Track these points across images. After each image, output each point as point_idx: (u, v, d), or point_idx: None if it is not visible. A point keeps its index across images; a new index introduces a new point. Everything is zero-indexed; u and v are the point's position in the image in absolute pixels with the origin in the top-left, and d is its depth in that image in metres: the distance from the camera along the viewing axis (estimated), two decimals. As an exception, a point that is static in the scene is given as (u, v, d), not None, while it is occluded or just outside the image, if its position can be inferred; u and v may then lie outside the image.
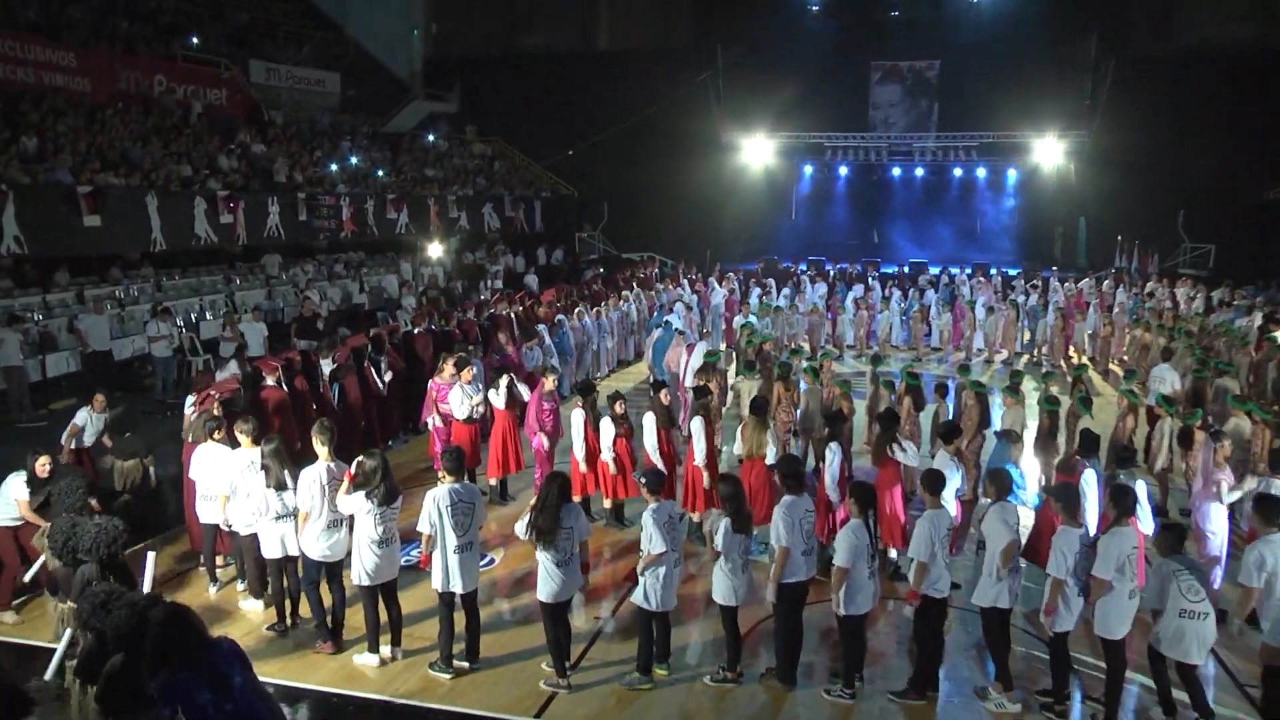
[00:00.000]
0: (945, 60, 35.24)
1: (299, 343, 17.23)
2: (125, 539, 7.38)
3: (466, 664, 8.15)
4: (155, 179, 20.74)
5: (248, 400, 11.33)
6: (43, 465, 9.03)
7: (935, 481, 7.77)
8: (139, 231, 19.80)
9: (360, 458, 8.01)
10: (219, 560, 9.96)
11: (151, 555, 7.80)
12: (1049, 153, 33.39)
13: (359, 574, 7.95)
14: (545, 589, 7.71)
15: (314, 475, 8.18)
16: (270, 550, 8.61)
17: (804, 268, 29.82)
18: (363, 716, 7.63)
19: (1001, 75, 32.74)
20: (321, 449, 8.27)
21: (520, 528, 7.86)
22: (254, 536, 8.83)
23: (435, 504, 7.72)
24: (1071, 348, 21.96)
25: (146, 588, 7.28)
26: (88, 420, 11.14)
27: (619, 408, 11.12)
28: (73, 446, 11.00)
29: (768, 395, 12.90)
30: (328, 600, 8.56)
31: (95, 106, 22.90)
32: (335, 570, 8.47)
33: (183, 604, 5.63)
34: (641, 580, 7.75)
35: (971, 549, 8.26)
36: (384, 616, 8.30)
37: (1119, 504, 7.42)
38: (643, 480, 7.97)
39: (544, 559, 7.66)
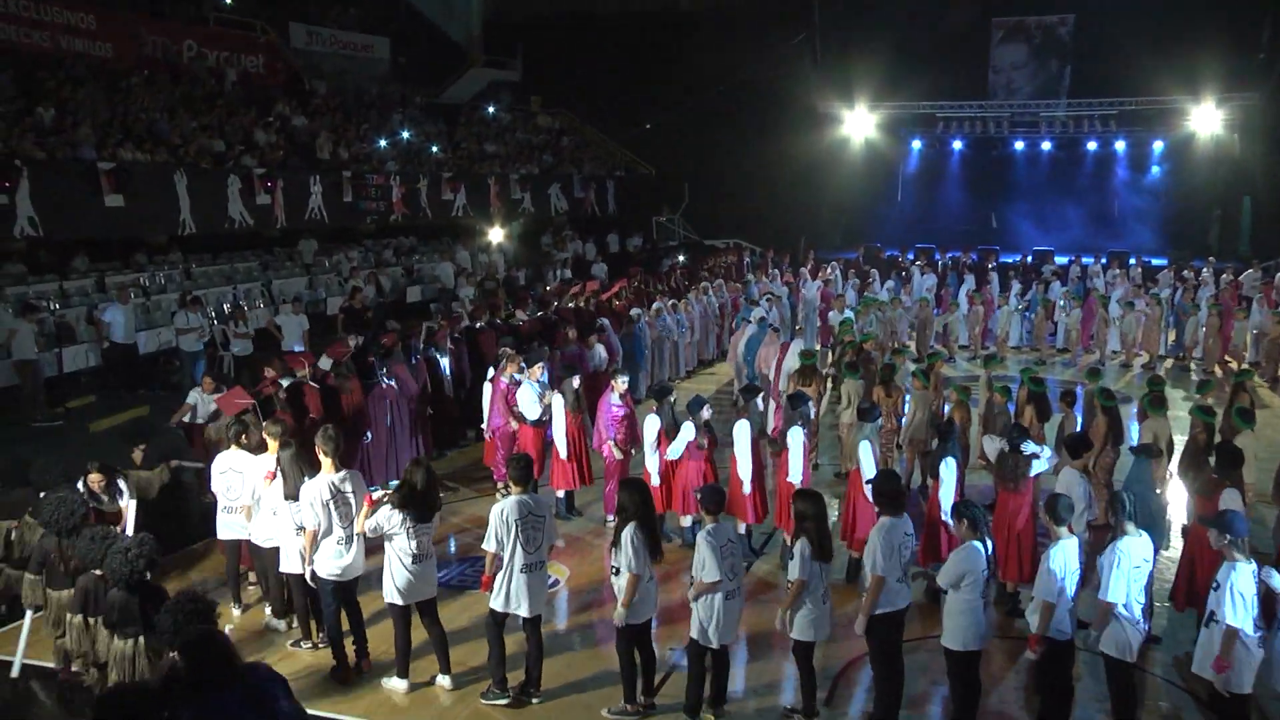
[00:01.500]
0: (1081, 14, 34.18)
1: (348, 337, 17.24)
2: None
3: (525, 699, 8.12)
4: (184, 155, 21.07)
5: (281, 400, 11.40)
6: (97, 481, 9.10)
7: (1062, 507, 7.42)
8: (166, 213, 20.10)
9: (409, 468, 8.03)
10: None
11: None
12: (1206, 121, 31.88)
13: (390, 592, 7.97)
14: (624, 610, 7.62)
15: (315, 490, 8.18)
16: (290, 565, 8.68)
17: (910, 257, 29.29)
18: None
19: (1150, 30, 31.12)
20: (325, 460, 8.26)
21: (627, 557, 7.59)
22: (275, 550, 8.91)
23: (503, 518, 7.70)
24: (1229, 351, 21.07)
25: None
26: (198, 400, 11.79)
27: (705, 413, 10.97)
28: (185, 419, 11.84)
29: (871, 401, 12.51)
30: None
31: (118, 74, 23.34)
32: (350, 591, 8.48)
33: (211, 628, 5.87)
34: (695, 610, 7.57)
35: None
36: (419, 637, 8.29)
37: None
38: (699, 496, 7.78)
39: (623, 576, 7.57)
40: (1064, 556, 7.19)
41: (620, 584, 7.56)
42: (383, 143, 28.10)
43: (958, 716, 7.50)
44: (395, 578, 7.92)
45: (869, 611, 7.42)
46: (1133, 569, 7.15)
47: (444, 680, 8.27)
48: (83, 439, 13.95)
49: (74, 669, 8.13)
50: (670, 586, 10.05)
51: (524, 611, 7.85)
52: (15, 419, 15.35)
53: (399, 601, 7.98)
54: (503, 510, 7.71)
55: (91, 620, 7.64)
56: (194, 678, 5.05)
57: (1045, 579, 7.17)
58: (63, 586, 8.18)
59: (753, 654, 8.81)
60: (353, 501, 8.21)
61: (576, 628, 9.50)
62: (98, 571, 7.59)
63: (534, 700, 8.08)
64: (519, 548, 7.71)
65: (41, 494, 8.61)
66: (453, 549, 11.21)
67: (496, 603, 7.85)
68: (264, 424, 9.36)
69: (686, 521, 11.27)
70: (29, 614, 8.47)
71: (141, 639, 7.15)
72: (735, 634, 7.73)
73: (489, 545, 7.77)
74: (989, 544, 7.32)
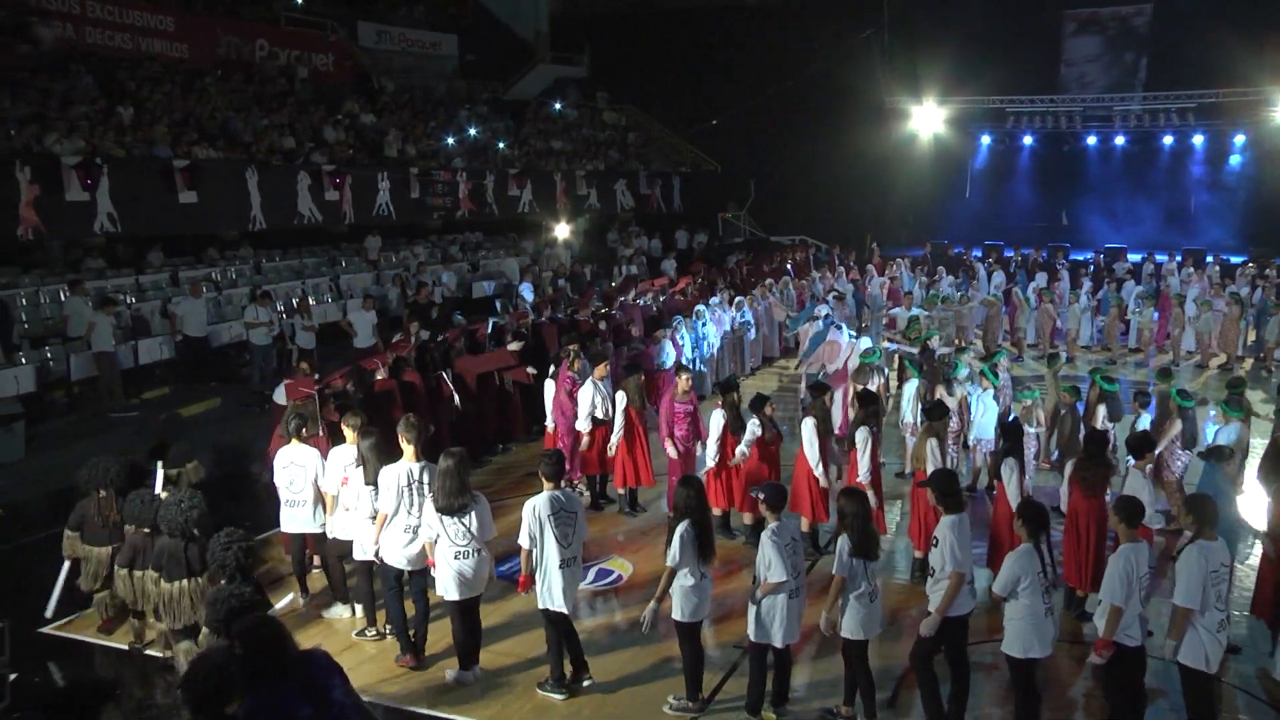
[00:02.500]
0: (1159, 3, 33.22)
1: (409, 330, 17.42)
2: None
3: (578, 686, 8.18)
4: (256, 152, 21.37)
5: (360, 393, 11.52)
6: (195, 468, 9.53)
7: (1132, 509, 7.22)
8: (238, 209, 20.50)
9: (440, 458, 8.01)
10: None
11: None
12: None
13: (444, 587, 8.02)
14: (685, 607, 7.64)
15: (394, 475, 8.26)
16: (361, 553, 8.78)
17: (978, 254, 28.84)
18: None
19: (1235, 17, 29.84)
20: (407, 447, 8.34)
21: (672, 552, 7.61)
22: (344, 543, 9.06)
23: (535, 513, 7.74)
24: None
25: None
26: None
27: (769, 410, 10.93)
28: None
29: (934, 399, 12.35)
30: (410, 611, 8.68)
31: (193, 74, 23.76)
32: (418, 580, 8.53)
33: (269, 615, 5.93)
34: (753, 609, 7.52)
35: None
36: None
37: None
38: (761, 495, 7.69)
39: (684, 574, 7.57)
40: (1133, 560, 7.00)
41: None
42: (450, 140, 28.30)
43: None
44: (447, 574, 7.96)
45: (945, 610, 7.31)
46: (1210, 574, 6.94)
47: (462, 675, 8.31)
48: (155, 427, 14.26)
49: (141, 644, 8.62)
50: (730, 582, 10.05)
51: (560, 607, 7.86)
52: (93, 409, 15.72)
53: (455, 598, 8.01)
54: (534, 506, 7.75)
55: (139, 572, 8.16)
56: (249, 667, 5.09)
57: (1113, 583, 6.97)
58: (102, 543, 8.68)
59: (815, 652, 8.69)
60: (427, 492, 8.21)
61: (637, 623, 9.47)
62: (146, 529, 8.16)
63: (586, 682, 8.15)
64: (554, 543, 7.75)
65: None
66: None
67: (540, 599, 7.91)
68: (344, 416, 9.40)
69: (748, 520, 11.22)
70: (66, 564, 8.93)
71: (187, 582, 7.80)
72: (797, 632, 7.66)
73: (523, 541, 7.80)
74: (1047, 549, 7.16)
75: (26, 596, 9.46)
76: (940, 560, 7.32)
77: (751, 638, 7.58)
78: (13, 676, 7.62)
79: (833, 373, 15.24)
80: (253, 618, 5.51)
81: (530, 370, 14.02)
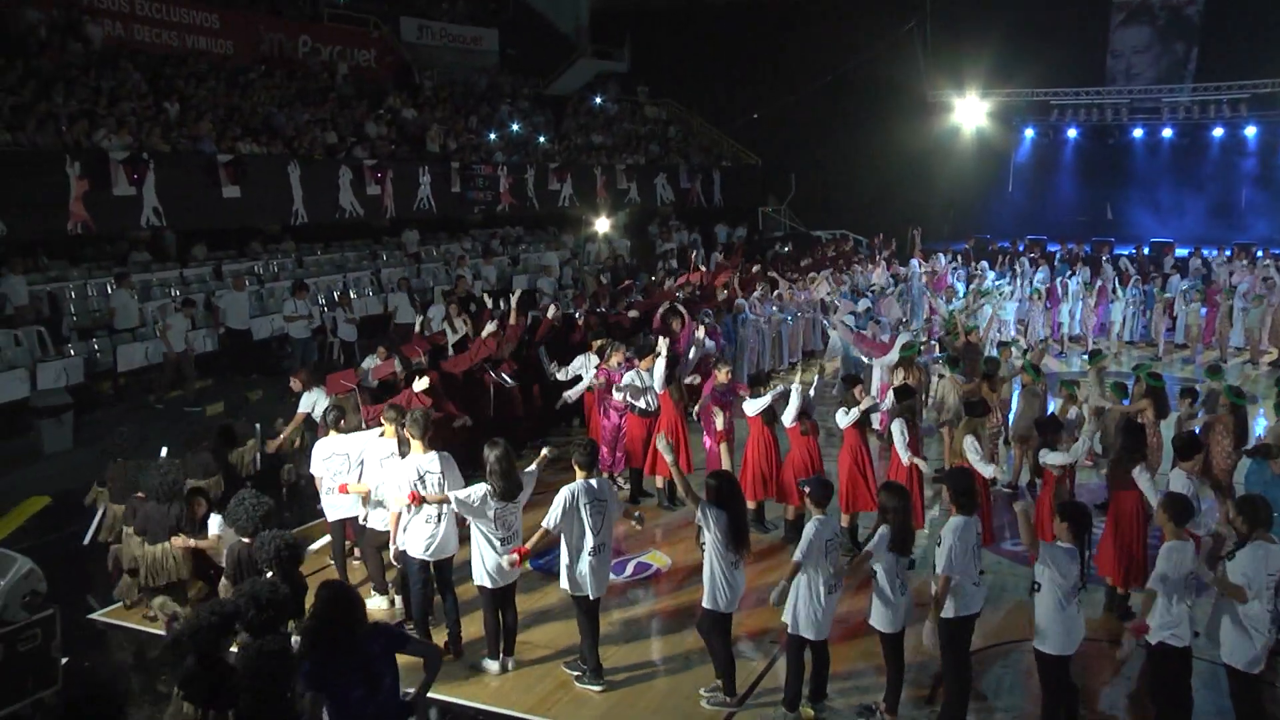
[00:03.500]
0: (1213, -9, 32.79)
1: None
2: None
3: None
4: (298, 147, 21.57)
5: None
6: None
7: (1180, 507, 7.14)
8: (280, 203, 20.69)
9: (484, 448, 8.11)
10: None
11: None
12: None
13: (480, 575, 8.11)
14: (719, 597, 7.69)
15: (404, 471, 8.41)
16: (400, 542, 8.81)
17: (1021, 248, 28.60)
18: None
19: None
20: (414, 442, 8.45)
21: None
22: (375, 530, 9.24)
23: (571, 500, 7.84)
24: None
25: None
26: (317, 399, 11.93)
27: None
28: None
29: (976, 394, 12.28)
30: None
31: (237, 70, 24.03)
32: (443, 571, 8.66)
33: (348, 585, 6.30)
34: (790, 603, 7.54)
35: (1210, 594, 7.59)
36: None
37: None
38: (807, 489, 7.76)
39: (719, 564, 7.62)
40: (1178, 557, 6.94)
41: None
42: (491, 134, 28.43)
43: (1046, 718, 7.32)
44: (485, 562, 8.05)
45: (938, 615, 7.24)
46: (1268, 576, 6.89)
47: (502, 660, 8.43)
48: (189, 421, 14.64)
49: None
50: (769, 576, 10.06)
51: (591, 593, 7.97)
52: (140, 401, 15.91)
53: (489, 585, 8.11)
54: (571, 493, 7.83)
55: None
56: (318, 630, 5.44)
57: (1157, 576, 6.94)
58: (120, 501, 9.47)
59: (854, 648, 8.67)
60: (440, 482, 8.32)
61: (674, 613, 9.53)
62: (140, 494, 8.93)
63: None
64: (587, 531, 7.84)
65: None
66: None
67: (566, 583, 8.00)
68: (383, 410, 9.59)
69: (790, 514, 11.24)
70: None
71: (166, 544, 8.70)
72: (829, 628, 7.65)
73: (548, 523, 7.86)
74: (1085, 549, 7.14)
75: (75, 584, 9.65)
76: (942, 561, 7.25)
77: (788, 631, 7.61)
78: (64, 661, 7.76)
79: (870, 365, 15.22)
80: (335, 584, 5.81)
81: (509, 380, 13.82)
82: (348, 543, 10.13)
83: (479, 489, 7.97)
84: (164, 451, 9.70)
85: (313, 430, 11.70)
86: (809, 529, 7.40)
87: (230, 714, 5.75)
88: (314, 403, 11.84)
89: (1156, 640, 7.02)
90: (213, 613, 5.89)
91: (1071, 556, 6.97)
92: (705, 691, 7.96)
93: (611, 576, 10.24)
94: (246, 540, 7.47)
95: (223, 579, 7.87)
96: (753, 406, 10.94)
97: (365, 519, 9.40)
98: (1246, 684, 7.05)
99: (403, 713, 5.64)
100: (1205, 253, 27.19)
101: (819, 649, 7.68)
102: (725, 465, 11.63)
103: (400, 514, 8.47)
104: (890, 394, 11.16)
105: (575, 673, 8.29)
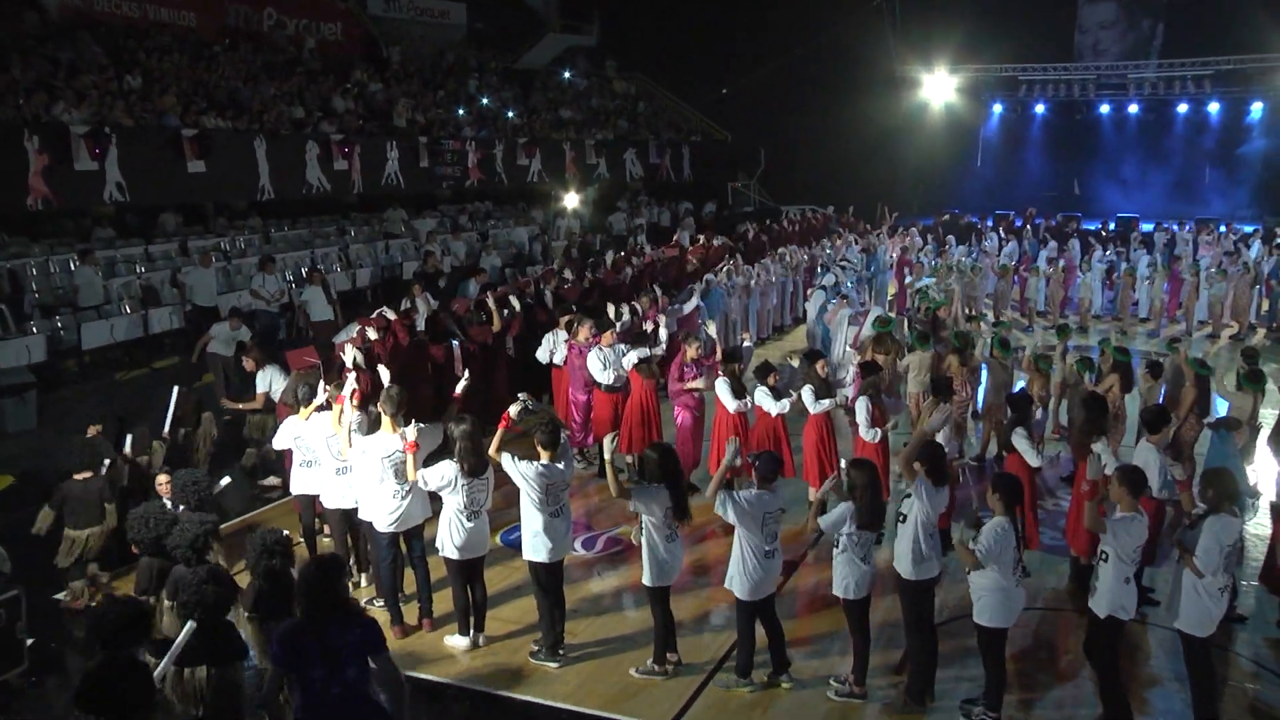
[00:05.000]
0: (1178, -33, 33.05)
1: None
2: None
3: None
4: (264, 122, 21.32)
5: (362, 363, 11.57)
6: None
7: (1137, 479, 7.17)
8: (246, 179, 20.52)
9: (451, 424, 8.15)
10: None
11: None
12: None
13: (446, 547, 8.11)
14: (657, 571, 7.76)
15: (373, 446, 8.38)
16: (366, 514, 8.79)
17: (990, 223, 28.75)
18: (475, 709, 7.75)
19: None
20: (385, 420, 8.44)
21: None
22: (341, 510, 9.16)
23: (526, 476, 7.86)
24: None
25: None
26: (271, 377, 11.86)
27: (773, 380, 10.93)
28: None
29: (941, 370, 12.32)
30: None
31: (201, 43, 23.71)
32: (413, 543, 8.67)
33: (332, 556, 6.21)
34: (733, 569, 7.62)
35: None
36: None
37: None
38: (755, 463, 7.74)
39: (649, 537, 7.70)
40: (1134, 529, 6.99)
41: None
42: (460, 109, 28.23)
43: (989, 692, 7.40)
44: (452, 534, 8.05)
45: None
46: (1227, 546, 6.97)
47: (474, 635, 8.44)
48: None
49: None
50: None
51: (545, 558, 7.98)
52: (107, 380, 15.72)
53: (455, 557, 8.12)
54: (534, 469, 7.85)
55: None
56: (301, 601, 5.36)
57: (1111, 551, 7.00)
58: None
59: (826, 619, 8.77)
60: (411, 459, 8.29)
61: (632, 588, 9.55)
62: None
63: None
64: (547, 507, 7.90)
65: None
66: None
67: (527, 553, 8.05)
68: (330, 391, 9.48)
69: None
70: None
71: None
72: (771, 587, 7.74)
73: (499, 456, 7.90)
74: (1020, 521, 7.19)
75: (40, 563, 9.54)
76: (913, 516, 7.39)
77: (736, 593, 7.68)
78: (29, 642, 7.68)
79: (838, 340, 15.24)
80: (322, 556, 5.77)
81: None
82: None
83: (449, 467, 7.96)
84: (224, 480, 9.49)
85: (272, 411, 11.71)
86: (745, 497, 7.47)
87: None
88: (269, 380, 11.76)
89: (1106, 614, 7.08)
90: (118, 608, 5.63)
91: (1007, 529, 7.05)
92: (646, 663, 8.06)
93: (583, 551, 10.35)
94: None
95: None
96: (774, 407, 10.85)
97: (323, 497, 9.30)
98: (1198, 648, 7.16)
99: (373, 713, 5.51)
100: (1171, 227, 27.40)
101: (769, 619, 7.76)
102: (692, 441, 11.71)
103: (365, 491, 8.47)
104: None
105: (532, 647, 8.32)
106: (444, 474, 7.95)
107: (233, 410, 12.13)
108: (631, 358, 11.90)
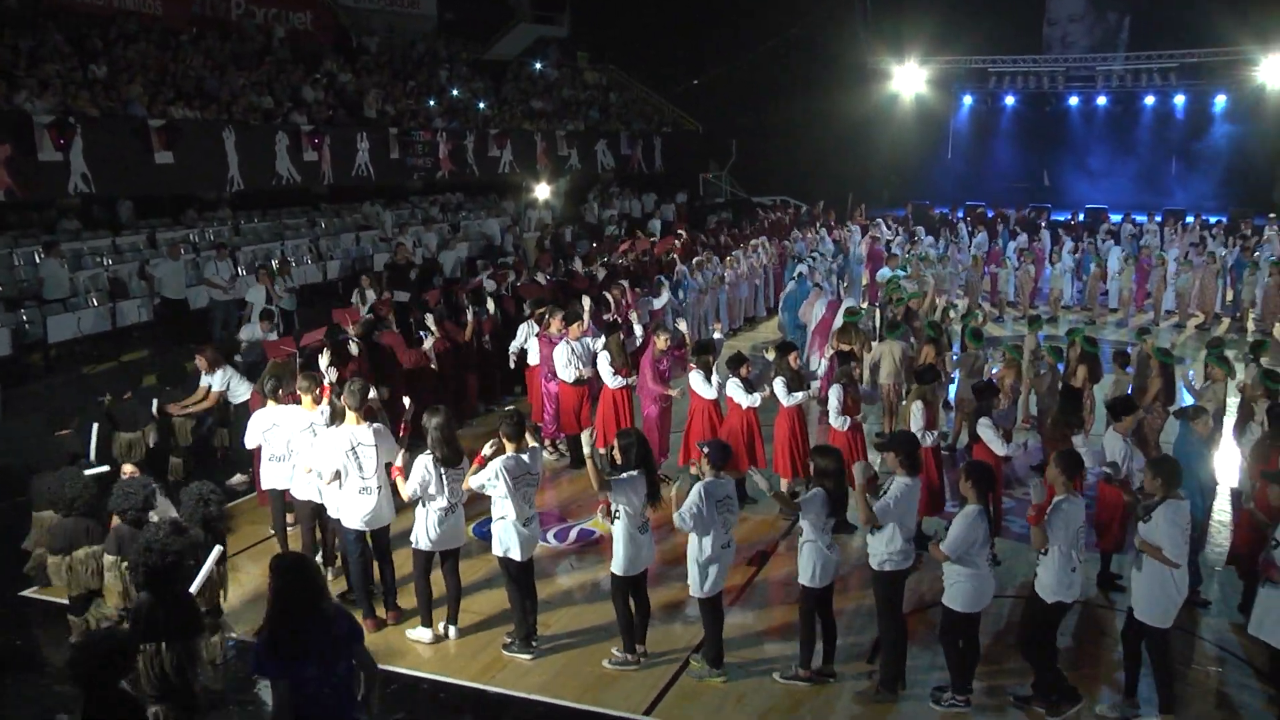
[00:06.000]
0: (1143, -39, 33.35)
1: (393, 294, 17.36)
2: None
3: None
4: (233, 112, 21.12)
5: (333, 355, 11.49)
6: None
7: (1070, 463, 7.34)
8: (215, 170, 20.26)
9: (424, 416, 8.13)
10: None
11: (217, 550, 7.76)
12: (1277, 72, 30.41)
13: (420, 539, 8.13)
14: (628, 561, 7.80)
15: (336, 440, 8.37)
16: (334, 511, 8.77)
17: (960, 214, 28.90)
18: (449, 701, 7.73)
19: None
20: (350, 413, 8.41)
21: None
22: (310, 503, 9.15)
23: (499, 473, 7.83)
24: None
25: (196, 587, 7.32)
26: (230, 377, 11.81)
27: (745, 371, 10.99)
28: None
29: (920, 360, 12.39)
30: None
31: (168, 32, 23.41)
32: (380, 541, 8.65)
33: (303, 555, 6.25)
34: (693, 565, 7.67)
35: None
36: (439, 590, 8.50)
37: None
38: (705, 450, 7.77)
39: (625, 527, 7.73)
40: (1070, 511, 7.14)
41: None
42: (430, 100, 28.10)
43: (958, 676, 7.50)
44: (428, 526, 8.07)
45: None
46: (1184, 532, 7.09)
47: (444, 627, 8.49)
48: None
49: None
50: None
51: (518, 556, 7.99)
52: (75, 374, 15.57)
53: (427, 549, 8.13)
54: (501, 466, 7.83)
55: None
56: (277, 601, 5.25)
57: (1055, 531, 7.13)
58: None
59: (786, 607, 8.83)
60: (374, 454, 8.29)
61: (605, 580, 9.52)
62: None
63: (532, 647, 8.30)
64: (516, 502, 7.86)
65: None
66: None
67: (498, 549, 8.04)
68: (297, 382, 9.44)
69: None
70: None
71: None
72: (723, 583, 7.79)
73: (473, 482, 7.90)
74: (994, 509, 7.33)
75: (6, 560, 9.46)
76: (881, 510, 7.42)
77: (691, 592, 7.77)
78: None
79: (811, 331, 15.31)
80: (291, 555, 5.69)
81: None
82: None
83: (423, 464, 7.95)
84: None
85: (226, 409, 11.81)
86: (695, 490, 7.50)
87: None
88: (227, 380, 11.67)
89: (1054, 599, 7.19)
90: (95, 644, 5.45)
91: (980, 517, 7.14)
92: (615, 651, 8.11)
93: (555, 543, 10.36)
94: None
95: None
96: (746, 400, 10.86)
97: (291, 490, 9.31)
98: (1159, 637, 7.25)
99: (355, 709, 5.51)
100: (1137, 219, 27.64)
101: (715, 607, 7.82)
102: (659, 432, 11.76)
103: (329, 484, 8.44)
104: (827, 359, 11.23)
105: (505, 639, 8.33)
106: (422, 474, 7.93)
107: (181, 414, 11.93)
108: (604, 355, 11.91)
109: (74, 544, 7.94)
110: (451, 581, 8.45)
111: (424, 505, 8.06)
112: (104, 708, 5.13)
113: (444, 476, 7.98)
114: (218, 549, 6.40)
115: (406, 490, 7.98)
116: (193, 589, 6.24)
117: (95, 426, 10.23)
